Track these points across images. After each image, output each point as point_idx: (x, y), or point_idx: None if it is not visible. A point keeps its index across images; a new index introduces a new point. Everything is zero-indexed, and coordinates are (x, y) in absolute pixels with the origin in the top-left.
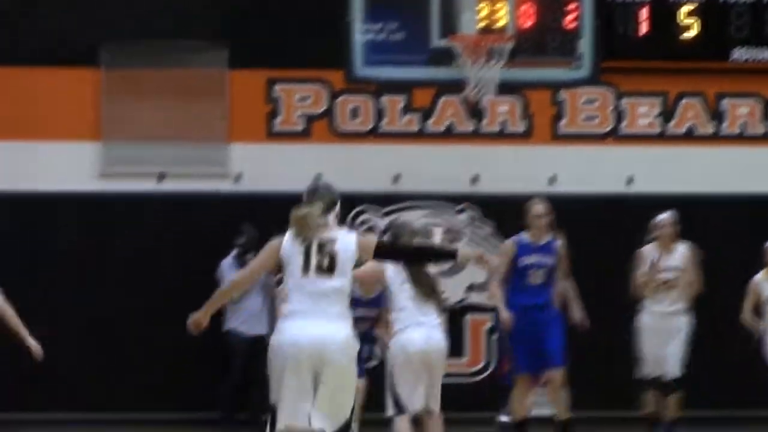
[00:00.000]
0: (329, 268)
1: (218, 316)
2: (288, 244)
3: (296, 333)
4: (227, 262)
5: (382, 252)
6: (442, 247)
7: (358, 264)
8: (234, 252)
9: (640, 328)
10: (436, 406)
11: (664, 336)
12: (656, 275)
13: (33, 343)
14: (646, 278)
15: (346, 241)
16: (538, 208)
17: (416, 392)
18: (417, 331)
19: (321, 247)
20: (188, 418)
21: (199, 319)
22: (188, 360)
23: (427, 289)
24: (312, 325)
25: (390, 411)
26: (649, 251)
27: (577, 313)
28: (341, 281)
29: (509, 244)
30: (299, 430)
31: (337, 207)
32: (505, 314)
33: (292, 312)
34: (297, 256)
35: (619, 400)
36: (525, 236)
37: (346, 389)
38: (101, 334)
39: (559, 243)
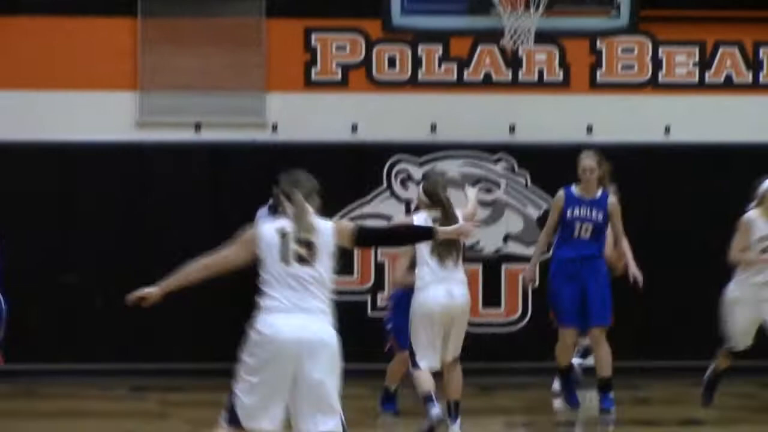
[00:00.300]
0: (309, 258)
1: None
2: (265, 234)
3: (278, 330)
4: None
5: (360, 237)
6: (419, 227)
7: (336, 252)
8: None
9: (733, 301)
10: (455, 355)
11: (763, 306)
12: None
13: None
14: (753, 258)
15: (323, 230)
16: (587, 162)
17: (433, 349)
18: (439, 287)
19: (299, 236)
20: (216, 368)
21: (151, 294)
22: (219, 308)
23: (445, 246)
24: (294, 322)
25: (410, 364)
26: (753, 218)
27: (634, 270)
28: (321, 271)
29: (559, 195)
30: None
31: (317, 198)
32: (529, 273)
33: (273, 307)
34: (275, 247)
35: (660, 349)
36: (575, 189)
37: (331, 384)
38: (134, 282)
39: (612, 199)
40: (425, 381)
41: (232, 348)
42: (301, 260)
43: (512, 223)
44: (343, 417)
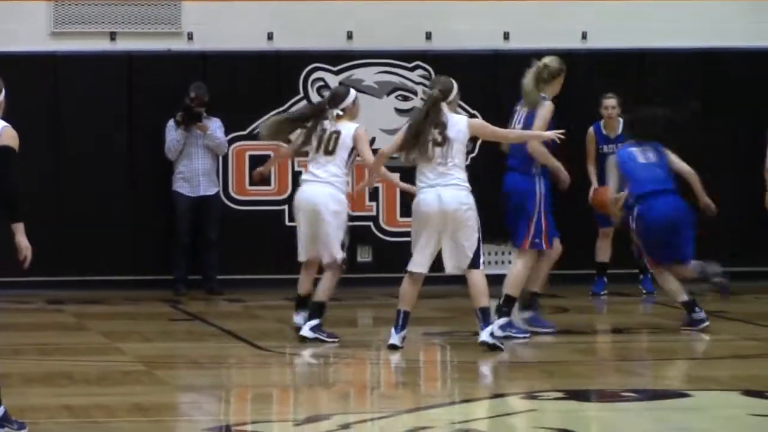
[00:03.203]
0: None
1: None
2: None
3: None
4: (171, 123)
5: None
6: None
7: None
8: (177, 115)
9: None
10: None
11: None
12: None
13: None
14: None
15: None
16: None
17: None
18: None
19: None
20: (145, 280)
21: None
22: (143, 220)
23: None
24: None
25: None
26: None
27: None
28: None
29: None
30: None
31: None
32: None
33: None
34: None
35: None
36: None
37: None
38: (51, 194)
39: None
40: None
41: (149, 261)
42: None
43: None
44: None
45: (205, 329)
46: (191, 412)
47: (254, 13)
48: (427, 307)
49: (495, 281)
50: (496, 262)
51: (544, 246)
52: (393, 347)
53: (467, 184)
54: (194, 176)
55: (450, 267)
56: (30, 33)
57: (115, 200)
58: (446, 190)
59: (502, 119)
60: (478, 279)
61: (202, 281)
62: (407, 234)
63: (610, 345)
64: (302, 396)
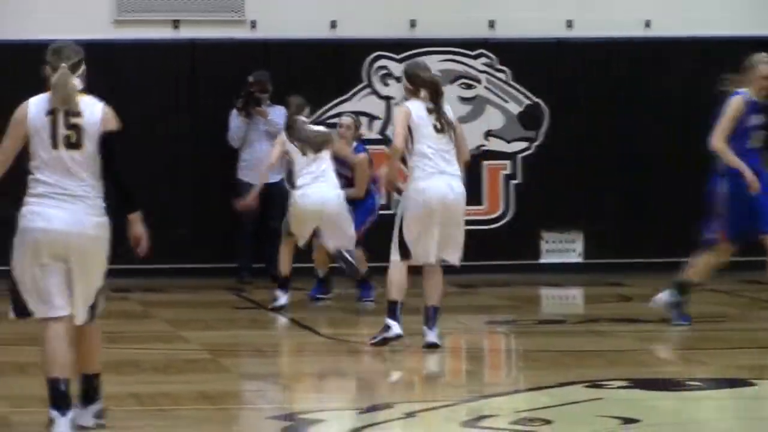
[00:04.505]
0: (77, 142)
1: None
2: (34, 114)
3: (43, 217)
4: (234, 111)
5: (107, 139)
6: (131, 196)
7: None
8: (238, 103)
9: None
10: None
11: None
12: None
13: None
14: None
15: (91, 112)
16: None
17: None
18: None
19: (67, 118)
20: (210, 268)
21: None
22: (206, 208)
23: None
24: (59, 209)
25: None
26: None
27: None
28: (88, 155)
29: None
30: (53, 319)
31: (83, 67)
32: None
33: (41, 193)
34: (44, 128)
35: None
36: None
37: (95, 274)
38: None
39: None
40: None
41: (214, 249)
42: (70, 144)
43: (493, 119)
44: (99, 307)
45: (269, 317)
46: (256, 400)
47: (317, 2)
48: (491, 294)
49: (560, 269)
50: (560, 251)
51: (719, 241)
52: (400, 337)
53: None
54: (258, 164)
55: (434, 257)
56: (93, 21)
57: (178, 189)
58: (455, 181)
59: (565, 107)
60: (440, 277)
61: (266, 269)
62: (476, 222)
63: (675, 334)
64: (366, 384)
